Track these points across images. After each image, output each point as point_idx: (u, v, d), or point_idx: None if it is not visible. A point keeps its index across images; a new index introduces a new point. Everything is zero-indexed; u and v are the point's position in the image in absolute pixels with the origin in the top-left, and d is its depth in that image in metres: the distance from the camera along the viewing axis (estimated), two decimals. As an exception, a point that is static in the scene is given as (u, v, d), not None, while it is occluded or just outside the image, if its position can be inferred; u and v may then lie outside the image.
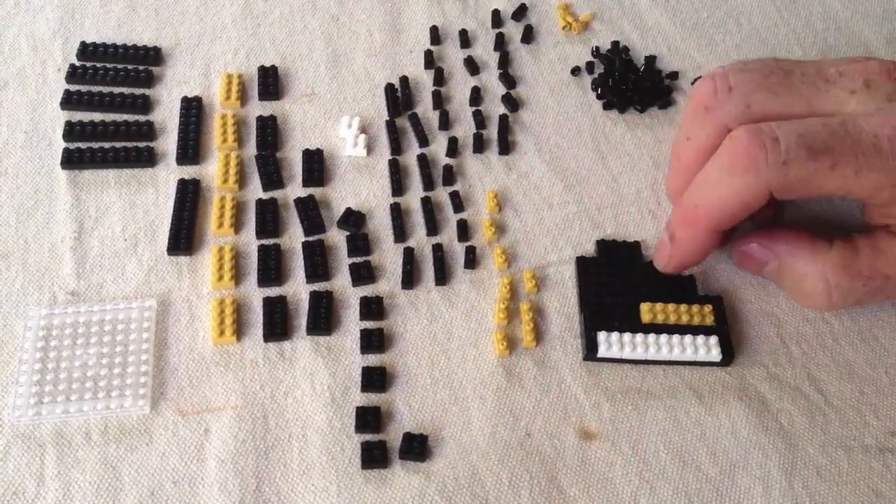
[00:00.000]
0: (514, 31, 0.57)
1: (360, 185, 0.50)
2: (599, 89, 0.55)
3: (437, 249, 0.47)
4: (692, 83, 0.55)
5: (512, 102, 0.54)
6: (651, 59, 0.56)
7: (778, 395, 0.43)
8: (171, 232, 0.46)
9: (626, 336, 0.44)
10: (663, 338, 0.44)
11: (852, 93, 0.40)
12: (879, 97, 0.39)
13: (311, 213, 0.48)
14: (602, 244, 0.48)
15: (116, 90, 0.52)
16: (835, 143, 0.38)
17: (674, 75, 0.55)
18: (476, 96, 0.54)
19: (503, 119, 0.53)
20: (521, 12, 0.58)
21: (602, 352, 0.43)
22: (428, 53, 0.55)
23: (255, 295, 0.45)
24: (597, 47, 0.57)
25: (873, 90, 0.40)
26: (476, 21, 0.58)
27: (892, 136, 0.37)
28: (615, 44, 0.57)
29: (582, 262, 0.47)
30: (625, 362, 0.44)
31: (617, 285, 0.46)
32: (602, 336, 0.44)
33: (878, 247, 0.41)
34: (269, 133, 0.51)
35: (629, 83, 0.54)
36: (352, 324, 0.45)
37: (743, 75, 0.41)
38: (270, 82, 0.53)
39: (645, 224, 0.49)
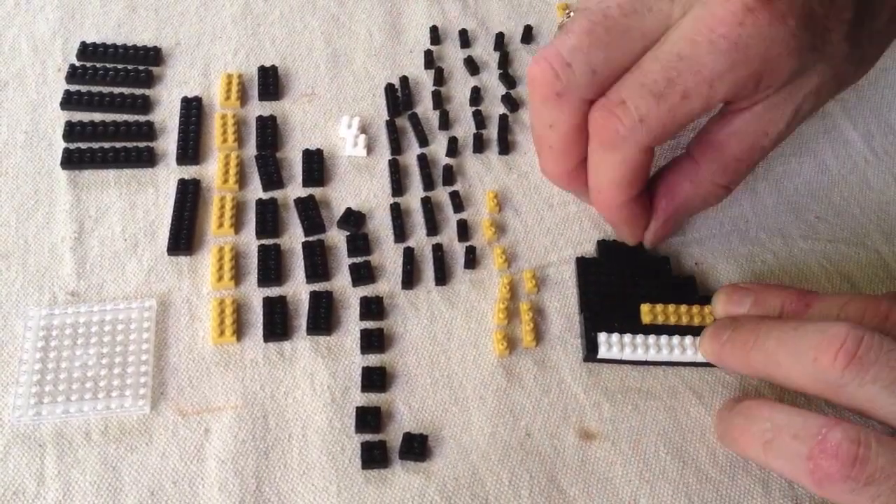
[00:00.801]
0: (514, 31, 0.57)
1: (360, 185, 0.50)
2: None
3: (437, 249, 0.47)
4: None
5: (512, 102, 0.54)
6: None
7: (777, 395, 0.43)
8: (171, 232, 0.46)
9: (627, 337, 0.43)
10: (663, 339, 0.44)
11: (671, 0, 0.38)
12: None
13: (311, 213, 0.48)
14: (603, 244, 0.48)
15: (116, 90, 0.52)
16: (673, 75, 0.36)
17: None
18: (476, 96, 0.54)
19: (503, 119, 0.53)
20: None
21: (602, 353, 0.43)
22: (428, 53, 0.55)
23: (255, 295, 0.45)
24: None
25: None
26: (476, 21, 0.58)
27: (721, 33, 0.35)
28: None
29: (582, 263, 0.47)
30: (625, 363, 0.44)
31: (617, 286, 0.46)
32: (602, 337, 0.44)
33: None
34: (269, 133, 0.51)
35: None
36: (352, 324, 0.45)
37: (571, 42, 0.38)
38: (270, 82, 0.53)
39: (645, 224, 0.49)
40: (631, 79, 0.37)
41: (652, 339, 0.43)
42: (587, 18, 0.38)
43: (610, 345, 0.43)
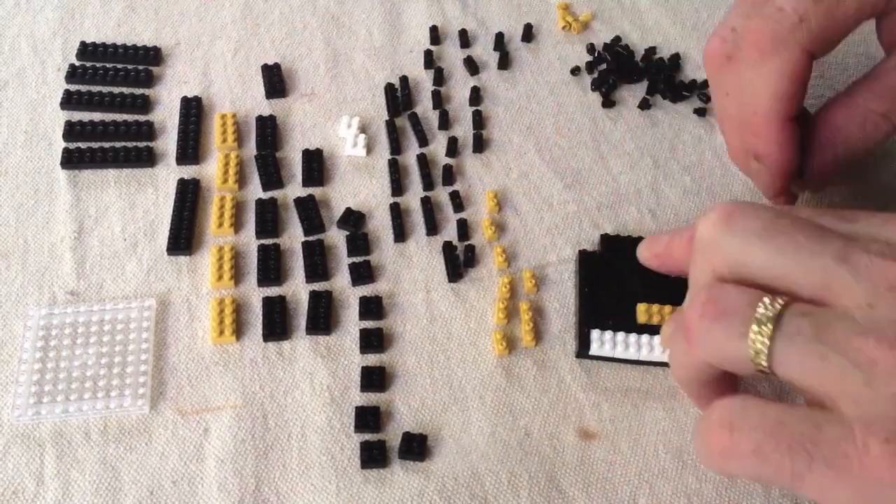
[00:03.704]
0: (513, 30, 0.57)
1: (360, 184, 0.50)
2: (603, 88, 0.54)
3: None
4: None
5: (511, 102, 0.54)
6: (651, 49, 0.56)
7: (777, 395, 0.43)
8: (171, 232, 0.46)
9: (620, 335, 0.43)
10: (657, 339, 0.43)
11: None
12: None
13: (310, 212, 0.48)
14: (606, 238, 0.47)
15: (116, 90, 0.52)
16: None
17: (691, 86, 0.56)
18: (476, 96, 0.54)
19: (502, 119, 0.53)
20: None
21: (595, 350, 0.43)
22: (428, 53, 0.55)
23: (254, 294, 0.45)
24: (592, 44, 0.56)
25: None
26: (476, 21, 0.58)
27: None
28: (616, 39, 0.57)
29: (584, 256, 0.46)
30: (617, 361, 0.44)
31: (615, 284, 0.46)
32: (595, 334, 0.43)
33: None
34: (269, 133, 0.51)
35: (630, 74, 0.55)
36: (351, 323, 0.45)
37: (732, 14, 0.41)
38: (276, 80, 0.53)
39: (645, 223, 0.49)
40: None
41: (646, 338, 0.43)
42: None
43: (602, 342, 0.43)
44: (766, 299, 0.30)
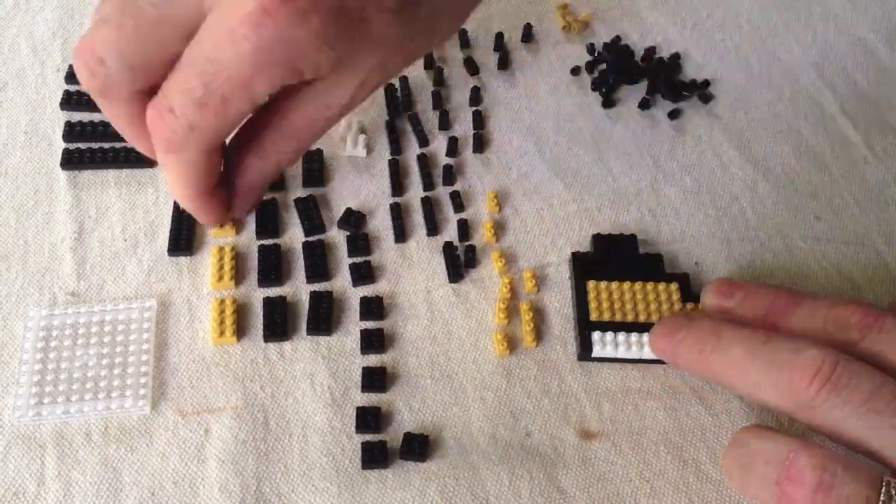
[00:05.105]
0: (513, 30, 0.57)
1: (360, 185, 0.50)
2: (603, 88, 0.55)
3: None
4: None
5: (511, 102, 0.54)
6: (651, 49, 0.56)
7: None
8: (172, 232, 0.46)
9: (621, 335, 0.43)
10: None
11: None
12: None
13: (311, 213, 0.48)
14: (598, 238, 0.47)
15: (116, 90, 0.52)
16: (208, 80, 0.34)
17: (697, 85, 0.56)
18: (476, 96, 0.54)
19: (502, 119, 0.53)
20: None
21: (597, 351, 0.43)
22: (428, 54, 0.55)
23: (255, 295, 0.45)
24: (592, 44, 0.56)
25: None
26: (476, 21, 0.58)
27: (243, 34, 0.32)
28: (616, 39, 0.57)
29: (577, 258, 0.46)
30: (620, 362, 0.44)
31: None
32: (597, 336, 0.43)
33: None
34: (269, 133, 0.51)
35: (630, 74, 0.55)
36: (352, 324, 0.45)
37: (102, 34, 0.35)
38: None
39: (645, 223, 0.49)
40: (174, 83, 0.35)
41: (647, 337, 0.43)
42: (118, 7, 0.35)
43: (604, 343, 0.43)
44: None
